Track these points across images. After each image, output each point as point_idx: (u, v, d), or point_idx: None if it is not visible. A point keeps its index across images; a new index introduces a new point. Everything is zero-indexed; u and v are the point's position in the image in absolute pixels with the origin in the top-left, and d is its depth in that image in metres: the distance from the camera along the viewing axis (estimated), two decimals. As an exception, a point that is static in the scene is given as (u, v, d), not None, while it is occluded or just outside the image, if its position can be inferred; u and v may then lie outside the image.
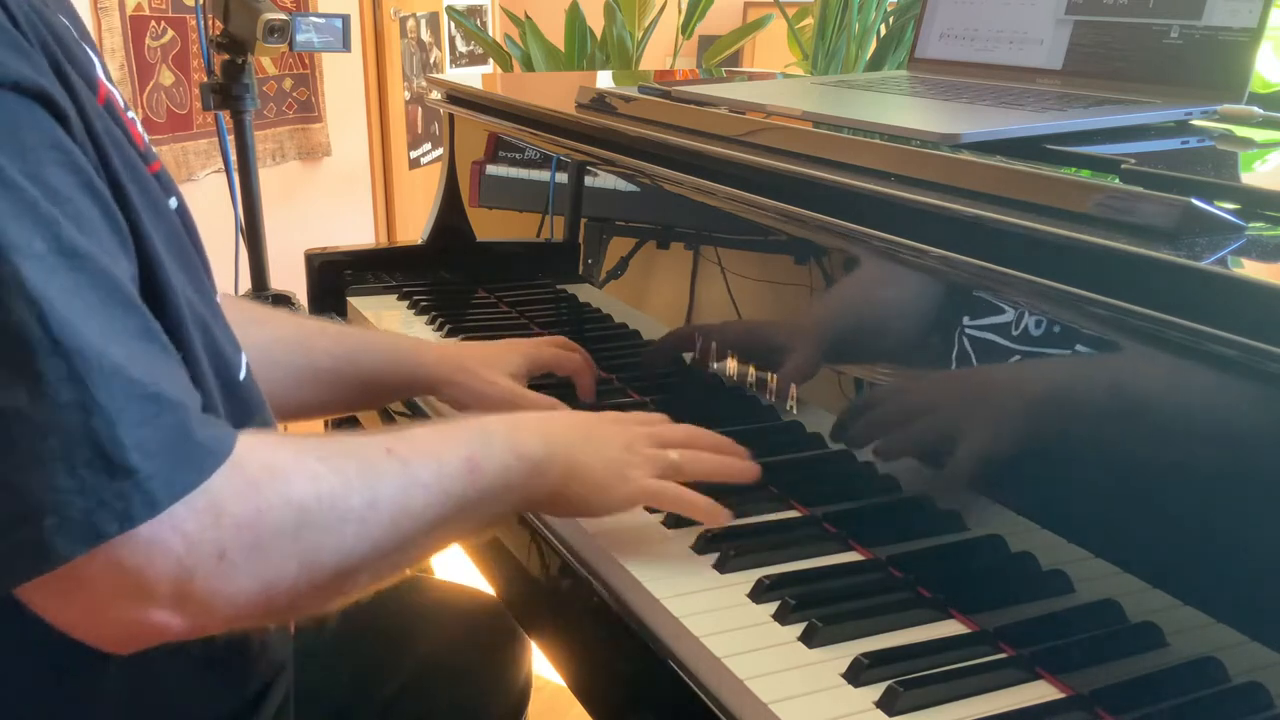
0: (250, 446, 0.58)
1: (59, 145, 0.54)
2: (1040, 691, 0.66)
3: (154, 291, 0.60)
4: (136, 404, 0.51)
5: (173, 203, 0.68)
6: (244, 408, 0.70)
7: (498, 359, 1.04)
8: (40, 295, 0.49)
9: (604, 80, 1.82)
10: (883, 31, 2.43)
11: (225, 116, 1.93)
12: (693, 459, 0.83)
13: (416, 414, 1.15)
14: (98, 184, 0.56)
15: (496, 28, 4.18)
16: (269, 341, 0.93)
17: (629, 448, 0.80)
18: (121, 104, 0.66)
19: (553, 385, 1.08)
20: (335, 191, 3.42)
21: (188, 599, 0.54)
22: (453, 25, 3.95)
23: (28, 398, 0.49)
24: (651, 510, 0.87)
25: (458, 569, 2.14)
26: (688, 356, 1.05)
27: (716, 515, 0.81)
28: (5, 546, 0.49)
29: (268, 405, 0.77)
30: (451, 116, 1.59)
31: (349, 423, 1.23)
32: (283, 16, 1.80)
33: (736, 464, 0.85)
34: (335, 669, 0.95)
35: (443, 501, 0.67)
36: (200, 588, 0.54)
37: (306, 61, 3.23)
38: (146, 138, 0.68)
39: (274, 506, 0.57)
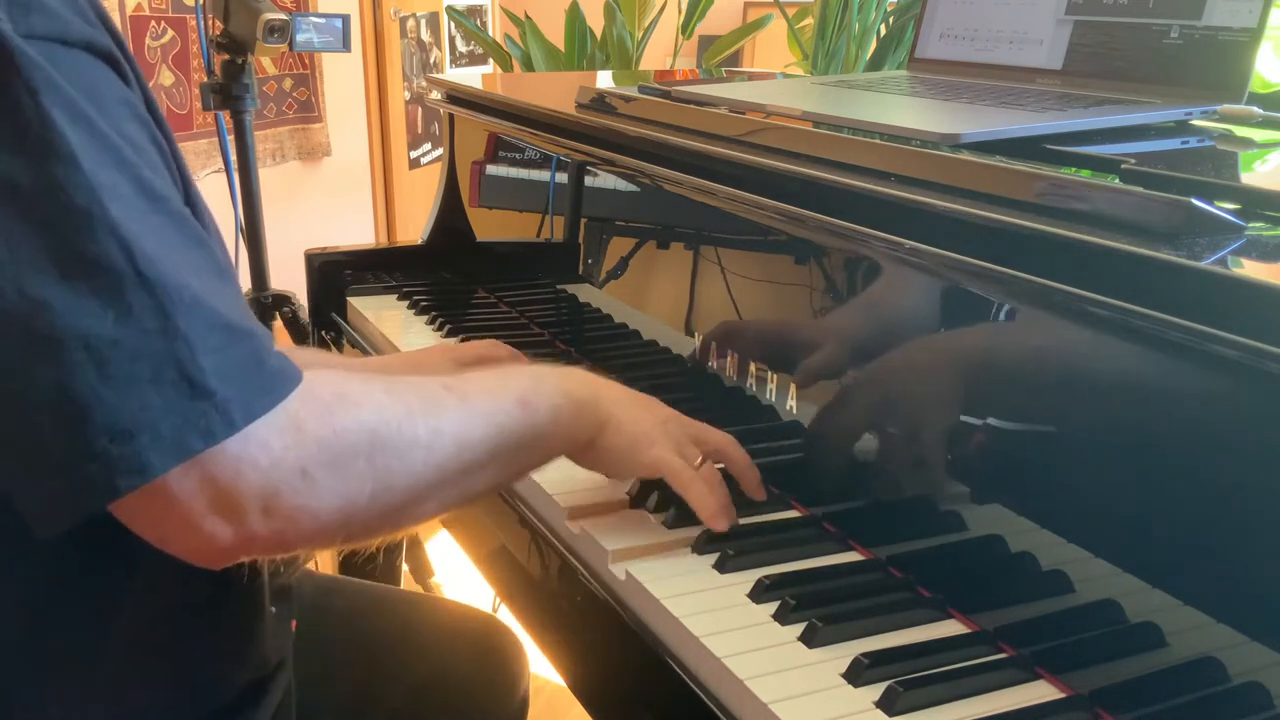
0: (320, 376, 0.62)
1: (128, 102, 0.58)
2: (1040, 691, 0.66)
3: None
4: (215, 333, 0.55)
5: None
6: None
7: (422, 365, 1.05)
8: (128, 232, 0.53)
9: (604, 80, 1.82)
10: (883, 31, 2.43)
11: (225, 116, 1.92)
12: (712, 482, 0.83)
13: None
14: (159, 138, 0.61)
15: (496, 28, 4.18)
16: None
17: (664, 424, 0.84)
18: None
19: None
20: (335, 191, 3.42)
21: (274, 512, 0.57)
22: (453, 25, 3.95)
23: (118, 325, 0.52)
24: (653, 511, 0.87)
25: (456, 571, 2.14)
26: (688, 356, 1.06)
27: (719, 518, 0.82)
28: (106, 462, 0.52)
29: None
30: (451, 116, 1.59)
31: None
32: (283, 16, 1.80)
33: (722, 514, 0.83)
34: (336, 684, 0.96)
35: (498, 434, 0.70)
36: (285, 502, 0.58)
37: (306, 61, 3.23)
38: None
39: (349, 429, 0.61)
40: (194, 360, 0.54)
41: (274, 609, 0.78)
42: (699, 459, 0.84)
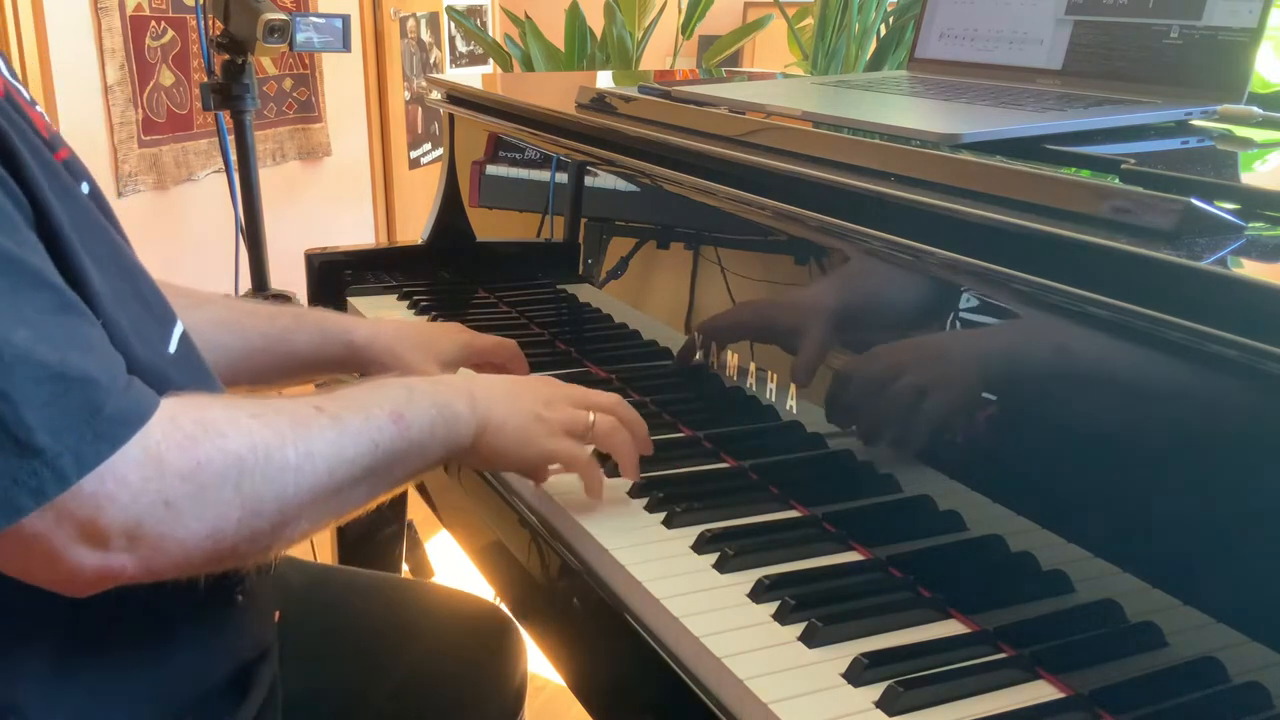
0: (183, 404, 0.62)
1: None
2: (1040, 691, 0.66)
3: (62, 268, 0.61)
4: (43, 385, 0.54)
5: (84, 188, 0.70)
6: (178, 376, 0.71)
7: (432, 343, 1.05)
8: None
9: (604, 80, 1.82)
10: (883, 31, 2.43)
11: (225, 116, 1.93)
12: (609, 430, 0.86)
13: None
14: (1, 175, 0.58)
15: (496, 28, 4.18)
16: (203, 323, 0.94)
17: (549, 404, 0.84)
18: (26, 97, 0.68)
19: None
20: (335, 191, 3.42)
21: (139, 543, 0.58)
22: (453, 25, 3.95)
23: None
24: (654, 510, 0.87)
25: (457, 571, 2.14)
26: (688, 357, 1.05)
27: (599, 490, 0.86)
28: None
29: (212, 375, 0.78)
30: (451, 116, 1.59)
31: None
32: (283, 16, 1.80)
33: (631, 459, 0.88)
34: (328, 672, 0.95)
35: (373, 451, 0.71)
36: (150, 532, 0.58)
37: (306, 61, 3.23)
38: (53, 129, 0.70)
39: (213, 459, 0.61)
40: (19, 419, 0.53)
41: (241, 599, 0.77)
42: (591, 419, 0.85)
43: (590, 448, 0.87)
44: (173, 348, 0.73)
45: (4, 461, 0.53)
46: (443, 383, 0.81)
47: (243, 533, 0.63)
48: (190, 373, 0.74)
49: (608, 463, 0.89)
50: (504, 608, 1.09)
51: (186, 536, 0.60)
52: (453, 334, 1.08)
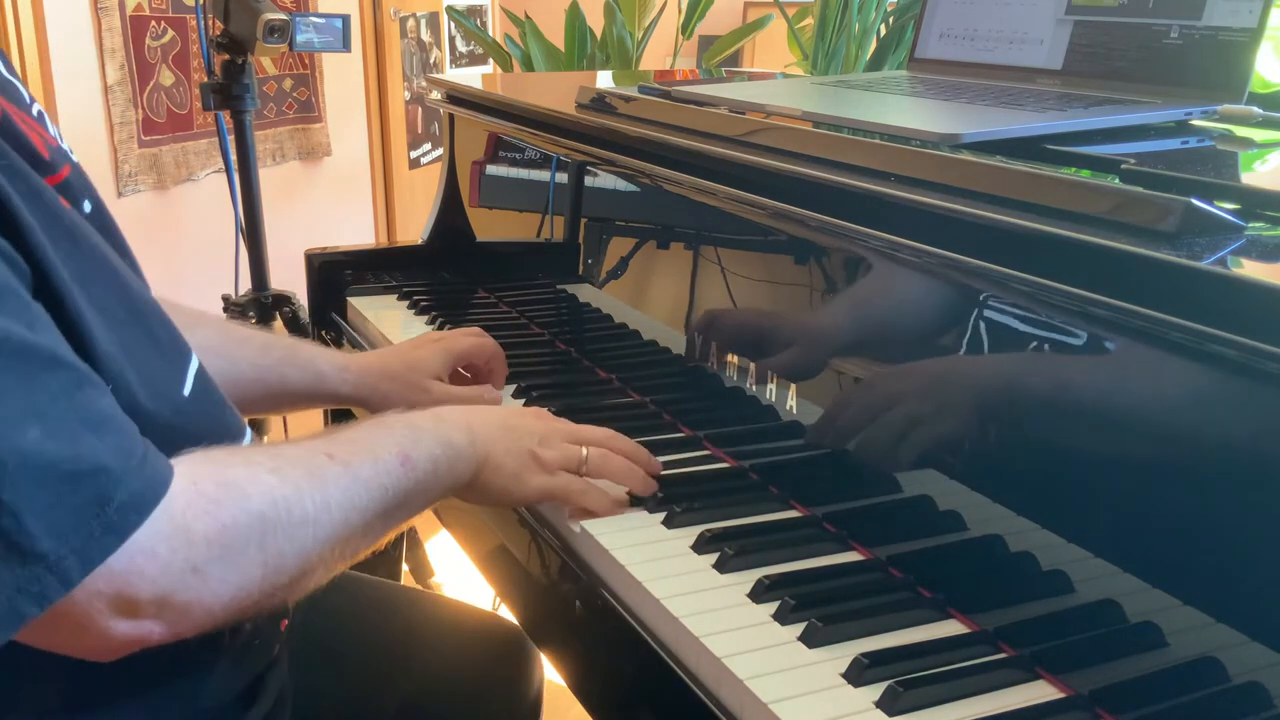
0: (202, 466, 0.63)
1: None
2: (1040, 691, 0.66)
3: (66, 331, 0.60)
4: (48, 489, 0.54)
5: (86, 207, 0.68)
6: (195, 420, 0.71)
7: (420, 361, 1.07)
8: None
9: (604, 80, 1.82)
10: (883, 31, 2.43)
11: (225, 116, 1.92)
12: (601, 460, 0.87)
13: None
14: (4, 247, 0.57)
15: (496, 28, 4.18)
16: (193, 346, 0.93)
17: (544, 441, 0.85)
18: (26, 100, 0.67)
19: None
20: (335, 191, 3.42)
21: (167, 609, 0.59)
22: (453, 25, 3.95)
23: None
24: (654, 510, 0.87)
25: (457, 571, 2.14)
26: (688, 357, 1.05)
27: (609, 509, 0.86)
28: None
29: (229, 406, 0.78)
30: (451, 116, 1.59)
31: (347, 414, 1.23)
32: (283, 16, 1.80)
33: (640, 475, 0.89)
34: (337, 683, 0.95)
35: (383, 496, 0.72)
36: (179, 600, 0.59)
37: (306, 61, 3.23)
38: (55, 143, 0.68)
39: (238, 521, 0.62)
40: (21, 528, 0.53)
41: (248, 625, 0.77)
42: (584, 454, 0.86)
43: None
44: (188, 389, 0.72)
45: (7, 572, 0.53)
46: (445, 421, 0.81)
47: (265, 588, 0.64)
48: (208, 411, 0.74)
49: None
50: (504, 608, 1.09)
51: (213, 600, 0.61)
52: (431, 346, 1.09)
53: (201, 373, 0.74)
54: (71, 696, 0.66)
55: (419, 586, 1.92)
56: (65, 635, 0.58)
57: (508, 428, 0.84)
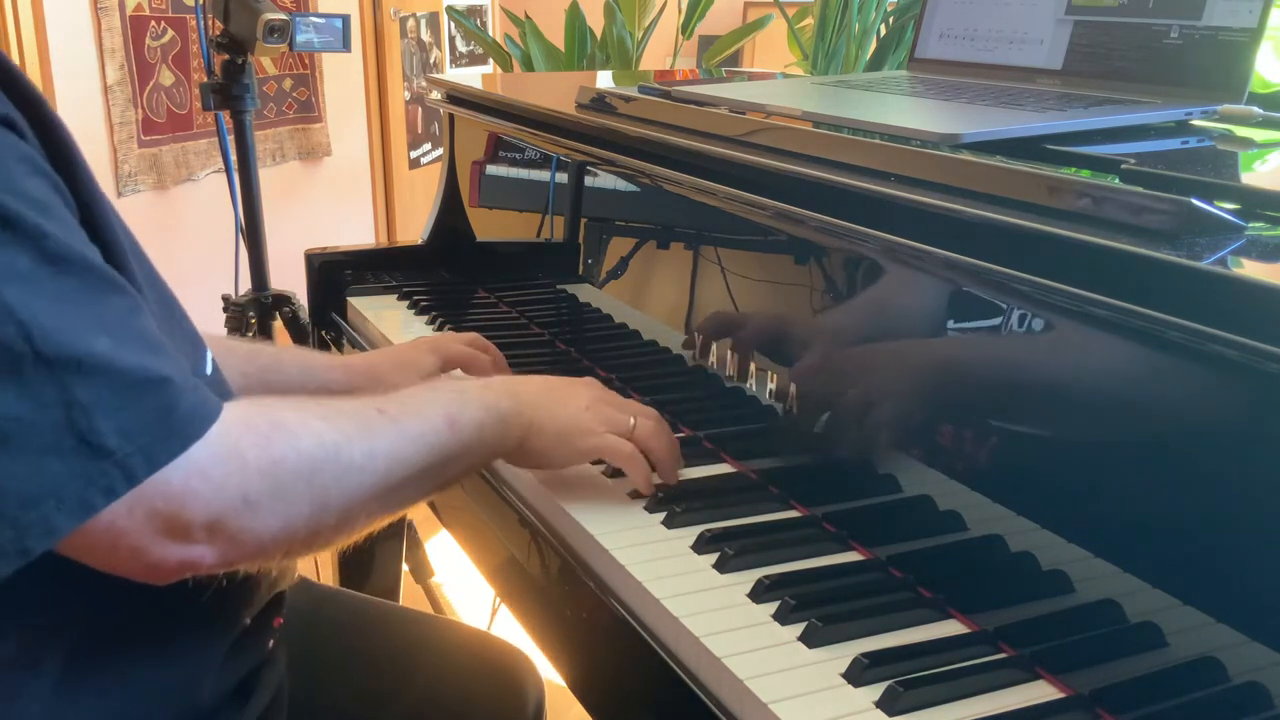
0: (254, 406, 0.66)
1: (28, 158, 0.59)
2: (1040, 691, 0.66)
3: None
4: (118, 393, 0.57)
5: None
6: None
7: (410, 363, 1.07)
8: (25, 313, 0.55)
9: (604, 80, 1.82)
10: (883, 31, 2.43)
11: (225, 116, 1.92)
12: (650, 431, 0.89)
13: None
14: (62, 185, 0.61)
15: (496, 28, 4.18)
16: None
17: (590, 407, 0.88)
18: None
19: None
20: (335, 191, 3.42)
21: (219, 535, 0.61)
22: (453, 25, 3.95)
23: (19, 402, 0.55)
24: (654, 510, 0.87)
25: (460, 577, 2.14)
26: (687, 356, 1.06)
27: (649, 483, 0.89)
28: (19, 527, 0.56)
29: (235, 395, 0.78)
30: (451, 116, 1.59)
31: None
32: (283, 16, 1.80)
33: (675, 463, 0.91)
34: (333, 698, 0.95)
35: (428, 453, 0.75)
36: (230, 525, 0.62)
37: (306, 61, 3.23)
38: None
39: (286, 456, 0.65)
40: (92, 426, 0.56)
41: (249, 621, 0.77)
42: (632, 422, 0.88)
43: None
44: (208, 369, 0.75)
45: (78, 464, 0.56)
46: (492, 387, 0.84)
47: (311, 527, 0.66)
48: (225, 395, 0.74)
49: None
50: (504, 608, 1.09)
51: (263, 530, 0.63)
52: (425, 348, 1.10)
53: (215, 362, 0.77)
54: (67, 686, 0.66)
55: (417, 587, 1.92)
56: (124, 554, 0.60)
57: (555, 394, 0.87)
